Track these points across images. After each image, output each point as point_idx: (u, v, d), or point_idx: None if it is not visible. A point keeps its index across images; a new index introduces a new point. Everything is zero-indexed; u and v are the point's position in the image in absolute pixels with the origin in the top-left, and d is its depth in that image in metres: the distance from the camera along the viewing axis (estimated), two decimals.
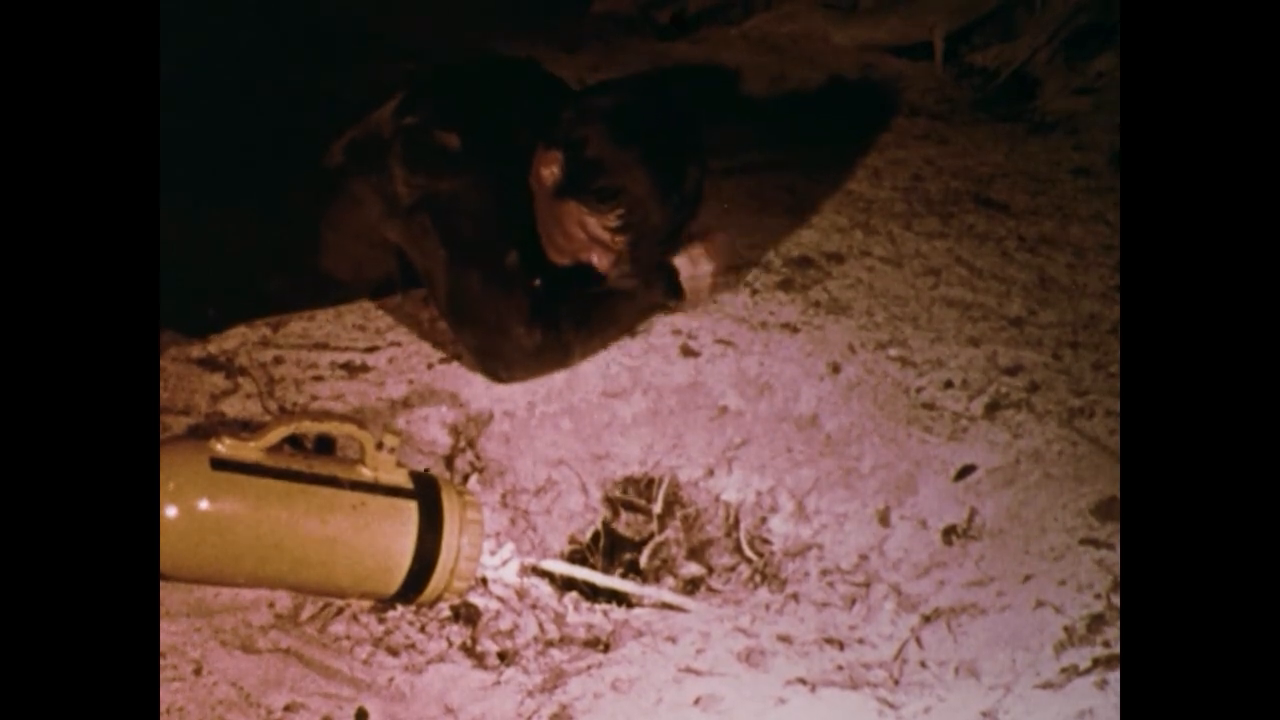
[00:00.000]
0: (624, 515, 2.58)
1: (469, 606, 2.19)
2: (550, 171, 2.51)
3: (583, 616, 2.25)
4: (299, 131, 2.66)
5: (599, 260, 2.56)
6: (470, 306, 2.53)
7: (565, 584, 2.35)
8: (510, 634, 2.17)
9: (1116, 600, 2.11)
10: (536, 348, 2.53)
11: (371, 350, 2.66)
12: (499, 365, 2.56)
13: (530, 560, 2.35)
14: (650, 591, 2.36)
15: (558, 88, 2.70)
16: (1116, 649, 2.02)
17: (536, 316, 2.53)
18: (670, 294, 2.68)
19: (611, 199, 2.47)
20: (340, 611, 2.12)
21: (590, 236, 2.52)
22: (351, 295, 2.72)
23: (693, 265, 2.67)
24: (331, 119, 2.69)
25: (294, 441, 2.18)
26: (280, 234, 2.59)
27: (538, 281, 2.60)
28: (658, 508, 2.55)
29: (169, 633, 1.98)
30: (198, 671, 1.94)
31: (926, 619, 2.19)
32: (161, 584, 2.03)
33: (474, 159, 2.52)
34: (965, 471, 2.47)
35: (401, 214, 2.53)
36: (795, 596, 2.34)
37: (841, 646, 2.16)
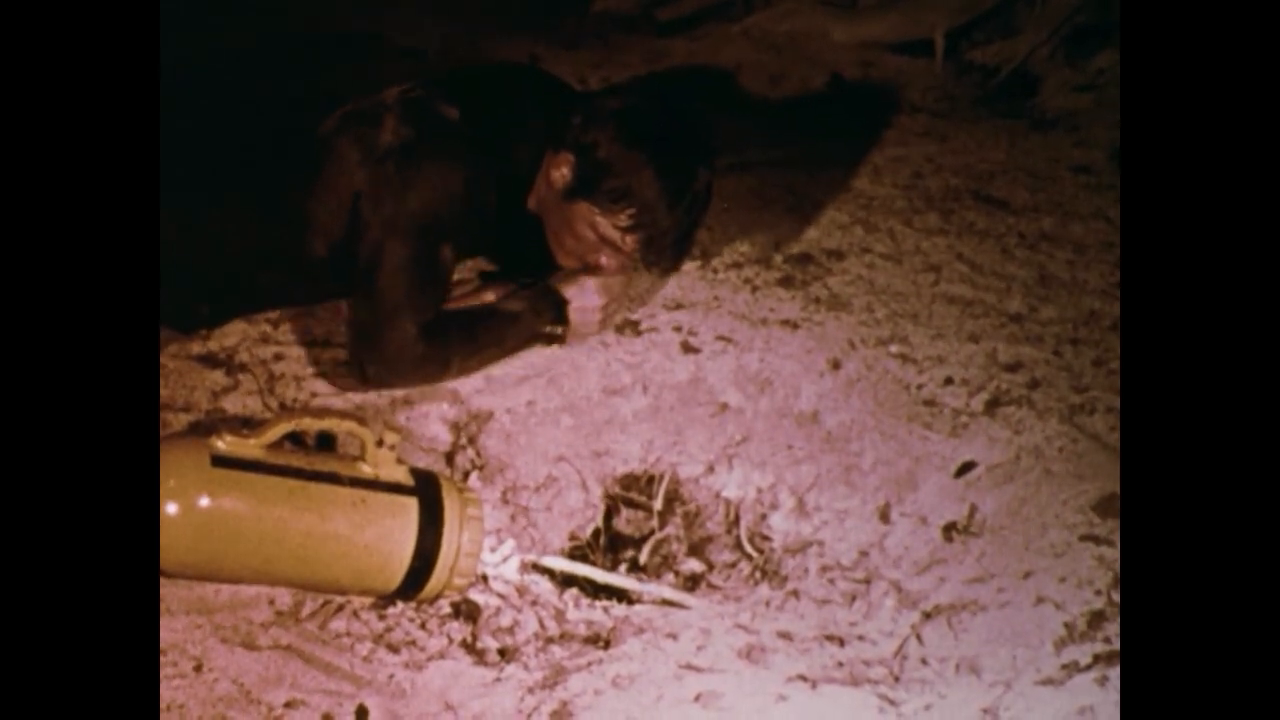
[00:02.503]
0: (624, 512, 2.58)
1: (469, 603, 2.19)
2: (560, 174, 2.52)
3: (583, 613, 2.26)
4: (299, 131, 2.66)
5: (609, 261, 2.56)
6: (380, 277, 2.45)
7: (566, 581, 2.35)
8: (511, 631, 2.17)
9: (1117, 597, 2.11)
10: (418, 356, 2.47)
11: None
12: (371, 357, 2.46)
13: (531, 557, 2.35)
14: (651, 588, 2.36)
15: (567, 94, 2.70)
16: (1117, 645, 2.02)
17: (432, 325, 2.48)
18: (557, 322, 2.64)
19: (622, 199, 2.48)
20: (341, 608, 2.12)
21: (601, 237, 2.53)
22: (339, 287, 2.71)
23: (582, 297, 2.63)
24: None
25: (294, 438, 2.18)
26: (276, 230, 2.58)
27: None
28: (658, 504, 2.55)
29: (170, 630, 1.98)
30: (198, 668, 1.94)
31: (927, 615, 2.19)
32: (162, 581, 2.03)
33: (466, 146, 2.51)
34: (966, 468, 2.47)
35: (373, 161, 2.49)
36: (796, 593, 2.34)
37: (842, 643, 2.16)
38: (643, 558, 2.48)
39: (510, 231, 2.67)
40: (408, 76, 2.96)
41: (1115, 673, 1.95)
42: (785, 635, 2.17)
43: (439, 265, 2.49)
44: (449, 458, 2.49)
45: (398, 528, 2.09)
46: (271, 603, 2.09)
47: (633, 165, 2.48)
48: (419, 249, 2.47)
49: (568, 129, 2.53)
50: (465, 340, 2.53)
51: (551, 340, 2.65)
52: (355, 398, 2.52)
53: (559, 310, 2.61)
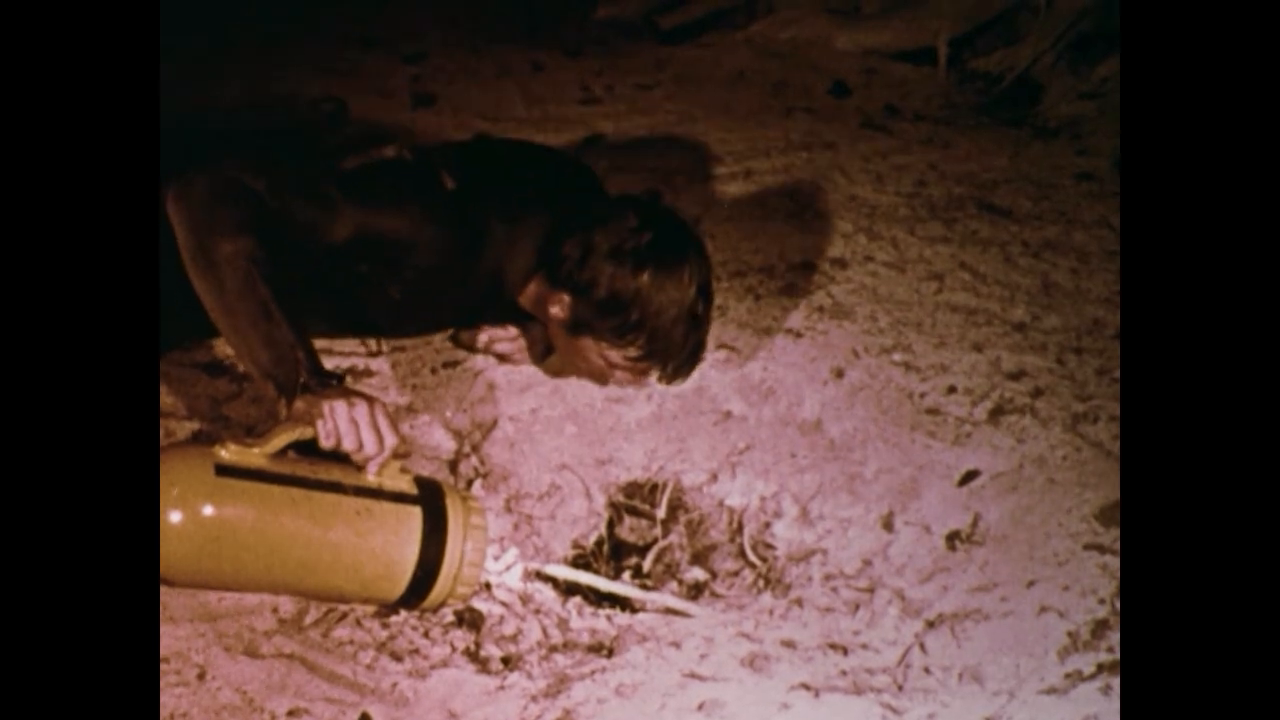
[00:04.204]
0: (628, 520, 2.58)
1: (473, 611, 2.19)
2: (558, 311, 2.46)
3: (586, 621, 2.26)
4: (298, 133, 2.65)
5: (623, 379, 2.51)
6: (291, 180, 2.31)
7: (569, 589, 2.35)
8: (514, 639, 2.17)
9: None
10: (218, 190, 2.21)
11: (375, 355, 2.66)
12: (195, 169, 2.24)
13: (534, 565, 2.35)
14: (654, 596, 2.36)
15: (581, 198, 2.59)
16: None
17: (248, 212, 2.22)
18: (282, 390, 2.23)
19: (629, 332, 2.42)
20: (344, 616, 2.12)
21: (612, 364, 2.47)
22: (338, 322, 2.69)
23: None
24: (335, 123, 2.67)
25: (298, 447, 2.18)
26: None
27: None
28: (661, 512, 2.55)
29: (173, 638, 1.98)
30: (201, 676, 1.94)
31: (930, 624, 2.19)
32: (165, 589, 2.03)
33: (444, 211, 2.43)
34: (969, 477, 2.47)
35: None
36: (799, 601, 2.34)
37: (845, 652, 2.16)
38: (646, 566, 2.48)
39: (504, 317, 2.63)
40: (411, 85, 2.94)
41: (1119, 682, 1.95)
42: (789, 644, 2.17)
43: (322, 212, 2.33)
44: (453, 466, 2.49)
45: (401, 536, 2.09)
46: (275, 611, 2.09)
47: (639, 299, 2.39)
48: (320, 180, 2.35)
49: (562, 260, 2.45)
50: (248, 274, 2.16)
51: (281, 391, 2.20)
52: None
53: (295, 389, 2.15)
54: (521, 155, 2.72)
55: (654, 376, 2.49)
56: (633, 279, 2.40)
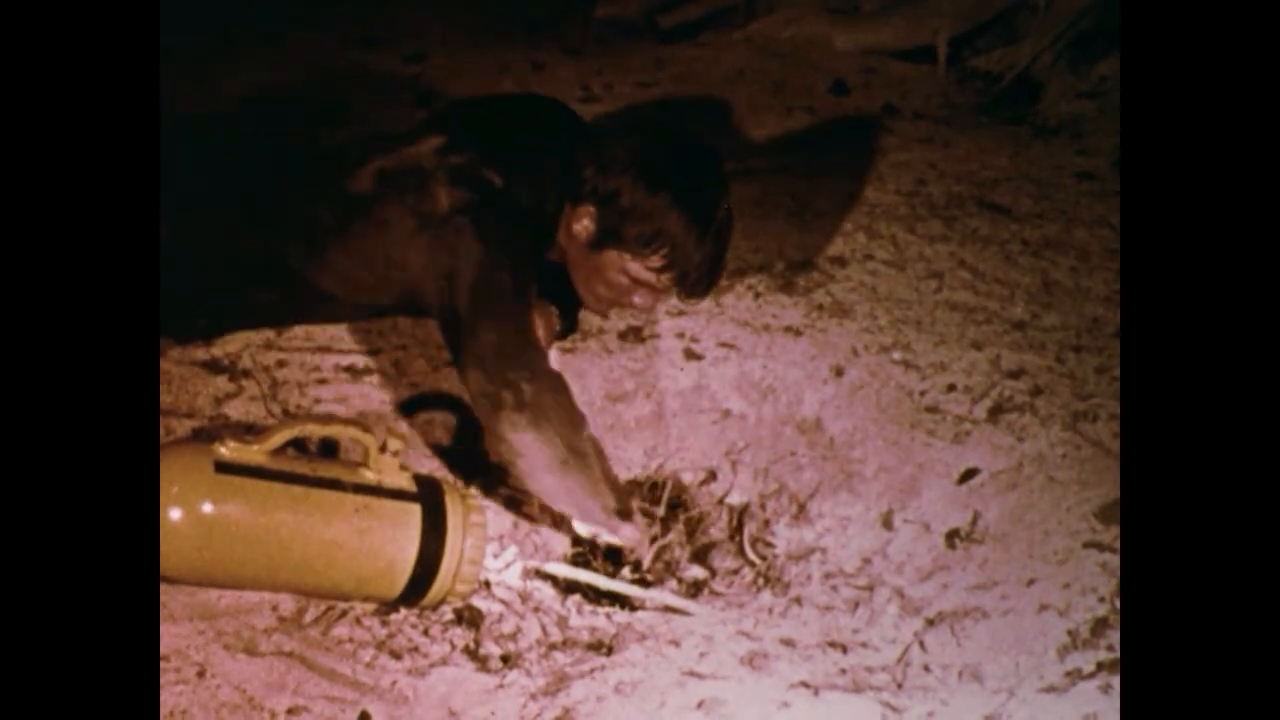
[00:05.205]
0: None
1: (472, 609, 2.19)
2: (583, 226, 2.49)
3: (586, 619, 2.26)
4: (298, 133, 2.64)
5: (643, 300, 2.54)
6: (499, 300, 2.41)
7: (568, 587, 2.35)
8: (513, 637, 2.17)
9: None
10: (555, 383, 2.38)
11: (375, 353, 2.66)
12: (512, 365, 2.34)
13: (533, 563, 2.35)
14: (653, 595, 2.36)
15: (577, 137, 2.63)
16: None
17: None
18: (612, 516, 2.43)
19: (653, 241, 2.46)
20: (343, 614, 2.12)
21: (634, 280, 2.50)
22: (338, 313, 2.70)
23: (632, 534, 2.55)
24: (334, 124, 2.67)
25: (298, 444, 2.18)
26: (271, 244, 2.53)
27: None
28: (661, 511, 2.55)
29: (172, 636, 1.98)
30: (201, 674, 1.94)
31: (930, 622, 2.19)
32: (165, 587, 2.03)
33: (514, 192, 2.50)
34: (969, 475, 2.47)
35: (435, 223, 2.45)
36: (798, 600, 2.34)
37: (845, 650, 2.16)
38: (645, 564, 2.48)
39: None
40: (411, 85, 2.92)
41: (1119, 680, 1.95)
42: (788, 642, 2.17)
43: (526, 306, 2.46)
44: (452, 464, 2.49)
45: (401, 534, 2.09)
46: (274, 609, 2.09)
47: (659, 208, 2.45)
48: (517, 274, 2.45)
49: (583, 181, 2.50)
50: (573, 436, 2.34)
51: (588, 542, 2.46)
52: (358, 403, 2.52)
53: (618, 516, 2.40)
54: (519, 111, 2.78)
55: (673, 294, 2.53)
56: (653, 188, 2.45)
